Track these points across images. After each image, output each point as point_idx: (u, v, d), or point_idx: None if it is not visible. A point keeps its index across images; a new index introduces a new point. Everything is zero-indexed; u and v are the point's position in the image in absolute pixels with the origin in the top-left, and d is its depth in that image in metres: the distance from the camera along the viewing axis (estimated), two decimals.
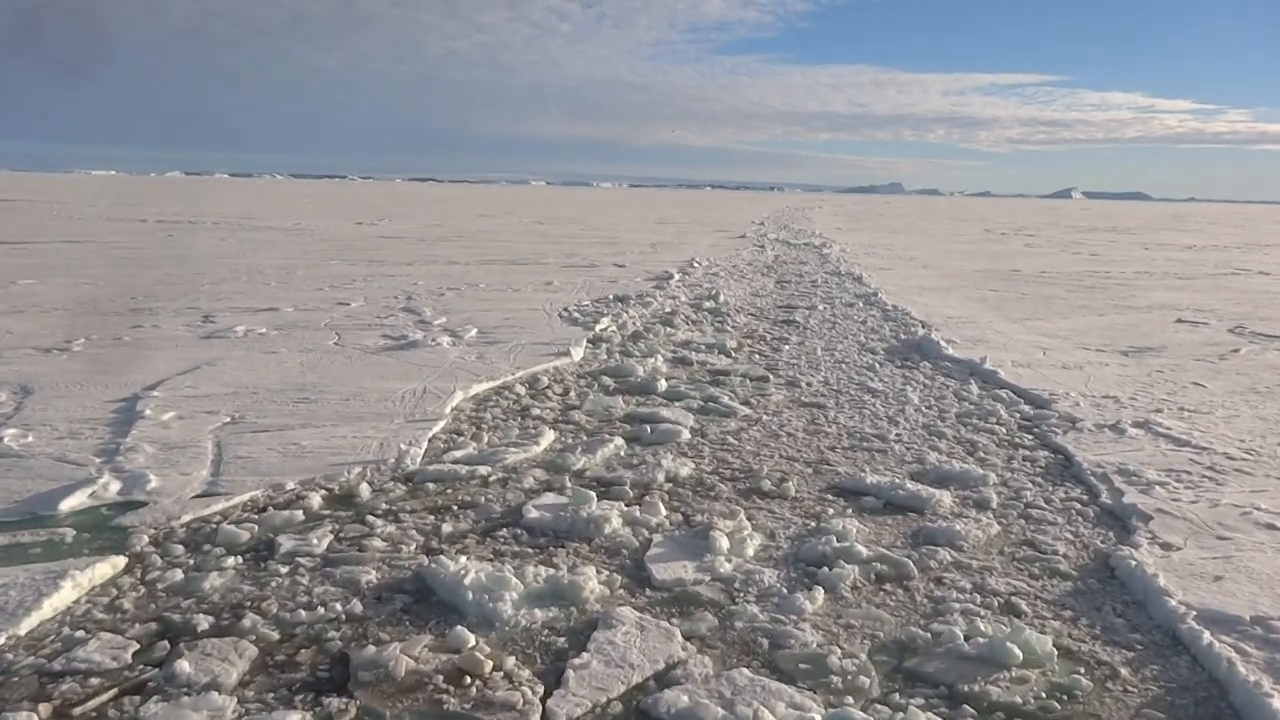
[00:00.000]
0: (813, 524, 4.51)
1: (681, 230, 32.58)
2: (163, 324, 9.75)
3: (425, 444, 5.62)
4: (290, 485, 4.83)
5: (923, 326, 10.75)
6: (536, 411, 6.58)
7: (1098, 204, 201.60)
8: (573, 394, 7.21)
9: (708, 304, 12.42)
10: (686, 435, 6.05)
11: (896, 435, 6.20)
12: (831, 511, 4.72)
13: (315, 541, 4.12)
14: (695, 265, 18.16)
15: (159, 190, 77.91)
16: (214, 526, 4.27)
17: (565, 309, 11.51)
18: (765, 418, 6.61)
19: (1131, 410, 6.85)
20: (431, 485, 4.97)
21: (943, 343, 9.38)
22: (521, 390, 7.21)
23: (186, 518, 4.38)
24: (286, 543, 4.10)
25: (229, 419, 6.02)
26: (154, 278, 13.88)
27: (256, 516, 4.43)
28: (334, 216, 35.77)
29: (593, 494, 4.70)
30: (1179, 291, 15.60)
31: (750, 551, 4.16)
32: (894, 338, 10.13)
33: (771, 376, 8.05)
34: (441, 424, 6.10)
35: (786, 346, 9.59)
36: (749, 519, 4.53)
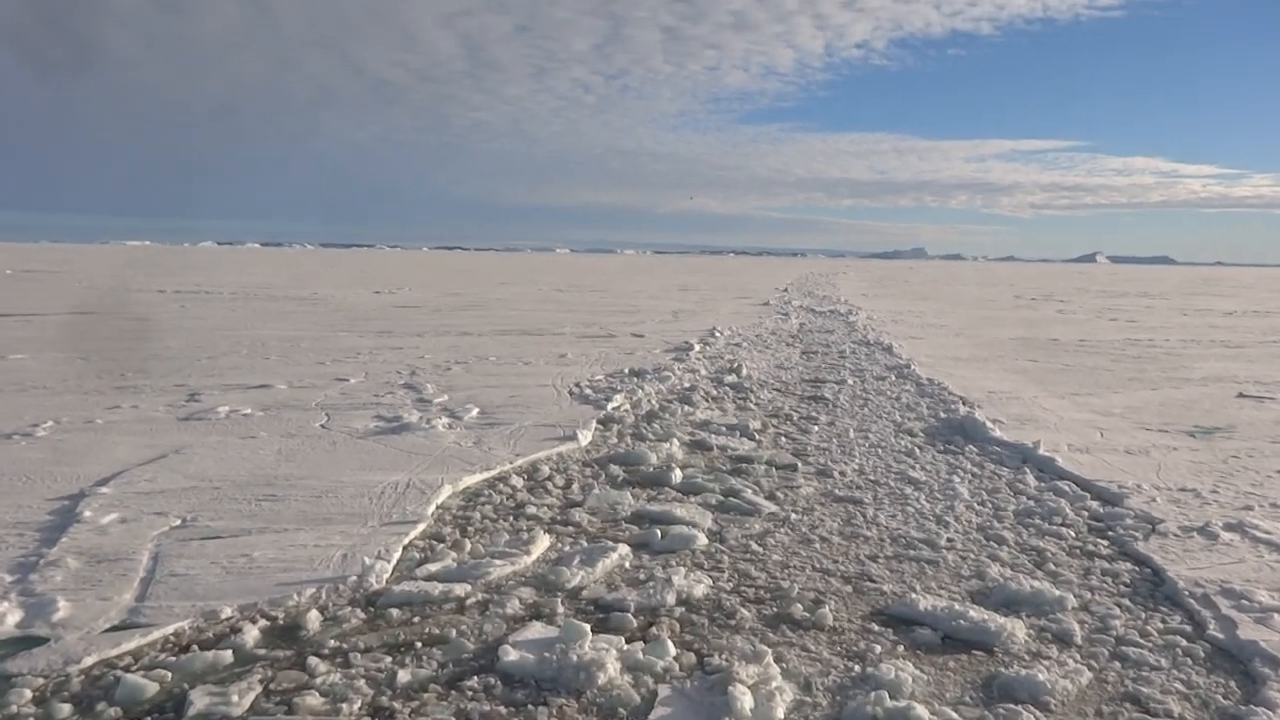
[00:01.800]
0: (857, 668, 3.64)
1: (703, 297, 31.96)
2: (143, 404, 9.07)
3: (397, 555, 4.82)
4: (226, 613, 4.03)
5: (963, 404, 9.88)
6: (532, 510, 5.77)
7: (1124, 268, 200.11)
8: (576, 487, 6.40)
9: (729, 378, 11.62)
10: (703, 540, 5.21)
11: (948, 540, 5.32)
12: (879, 649, 3.84)
13: (236, 699, 3.30)
14: (717, 335, 17.41)
15: (187, 260, 78.73)
16: (117, 676, 3.46)
17: (577, 384, 10.75)
18: (794, 517, 5.76)
19: (1218, 508, 5.94)
20: (395, 612, 4.15)
21: (988, 423, 8.51)
22: (519, 482, 6.41)
23: (89, 661, 3.58)
24: (200, 699, 3.29)
25: (178, 522, 5.25)
26: (151, 352, 13.30)
27: (175, 659, 3.62)
28: (353, 286, 35.51)
29: (586, 627, 3.87)
30: (1231, 361, 14.63)
31: (779, 713, 3.29)
32: (932, 416, 9.26)
33: (800, 464, 7.20)
34: (421, 528, 5.30)
35: (815, 427, 8.74)
36: (777, 662, 3.67)
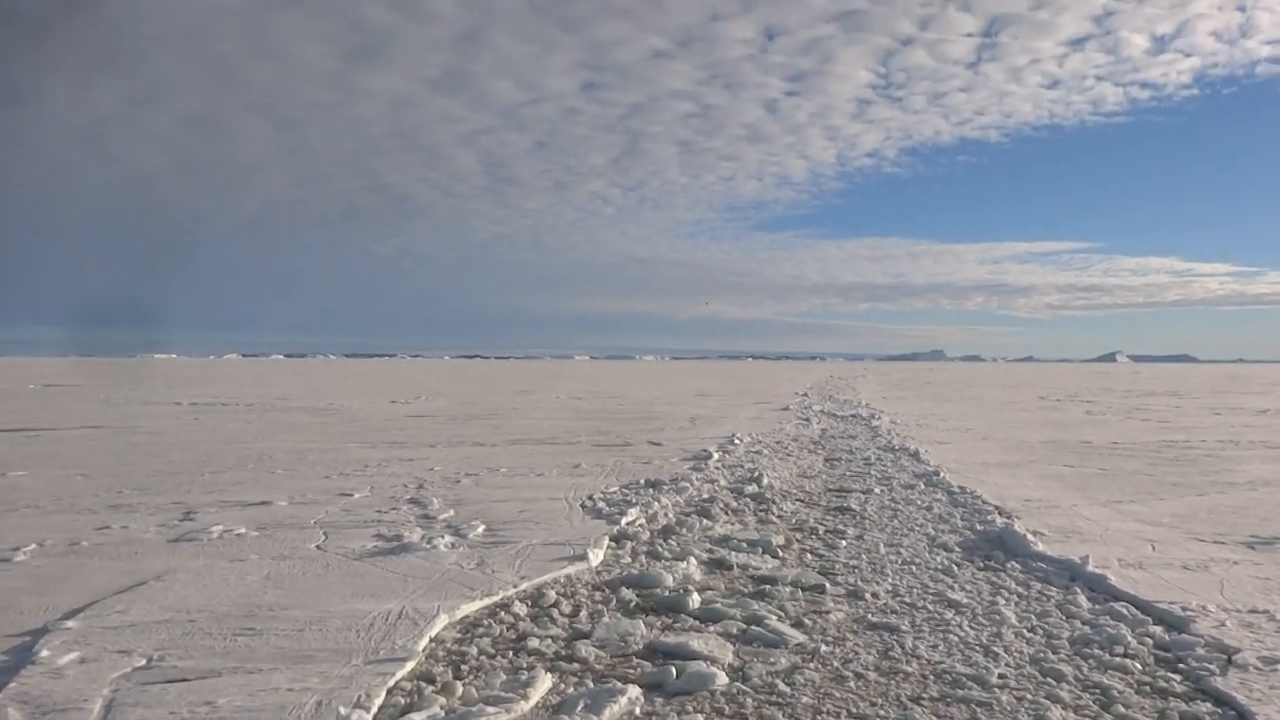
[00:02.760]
0: None
1: (722, 403, 31.55)
2: (134, 524, 8.64)
3: (378, 701, 4.29)
4: None
5: (999, 514, 9.28)
6: (534, 643, 5.23)
7: (1145, 367, 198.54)
8: (584, 614, 5.86)
9: (750, 488, 11.08)
10: (723, 679, 4.64)
11: (1000, 676, 4.72)
12: None
13: None
14: (736, 442, 16.91)
15: (210, 372, 79.48)
16: None
17: (590, 497, 10.25)
18: (824, 648, 5.18)
19: None
20: None
21: (1029, 536, 7.91)
22: (521, 610, 5.87)
23: None
24: None
25: (142, 662, 4.75)
26: (155, 467, 12.95)
27: None
28: (371, 395, 35.41)
29: None
30: (1277, 464, 13.94)
31: None
32: (968, 528, 8.68)
33: (828, 584, 6.63)
34: (409, 666, 4.77)
35: (843, 542, 8.17)
36: None
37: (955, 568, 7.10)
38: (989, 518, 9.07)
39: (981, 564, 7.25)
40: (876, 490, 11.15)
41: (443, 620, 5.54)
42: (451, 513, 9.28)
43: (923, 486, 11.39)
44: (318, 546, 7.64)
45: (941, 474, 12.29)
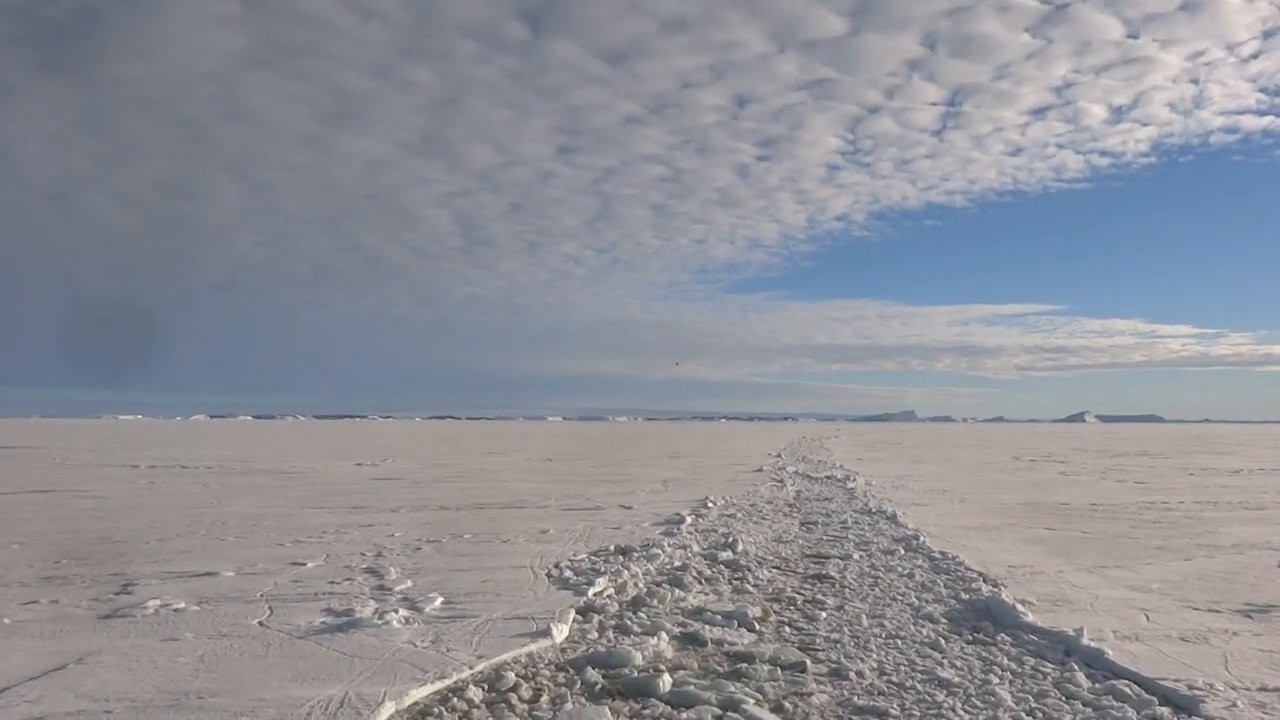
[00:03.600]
0: None
1: (695, 465, 31.09)
2: (65, 598, 8.03)
3: None
4: None
5: (984, 580, 8.91)
6: None
7: (1114, 426, 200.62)
8: (544, 700, 5.37)
9: (724, 555, 10.63)
10: None
11: None
12: None
13: None
14: (709, 505, 16.46)
15: (174, 433, 77.86)
16: None
17: (556, 565, 9.75)
18: None
19: None
20: None
21: (1017, 605, 7.52)
22: (476, 695, 5.37)
23: None
24: None
25: None
26: (98, 534, 12.28)
27: None
28: (337, 458, 34.60)
29: None
30: (1258, 525, 13.71)
31: None
32: (953, 597, 8.28)
33: (809, 662, 6.18)
34: None
35: (823, 613, 7.73)
36: None
37: (943, 641, 6.69)
38: (974, 585, 8.68)
39: (970, 637, 6.84)
40: (855, 556, 10.74)
41: (389, 709, 5.03)
42: (409, 583, 8.75)
43: (903, 551, 10.99)
44: (260, 623, 7.09)
45: (921, 538, 11.91)
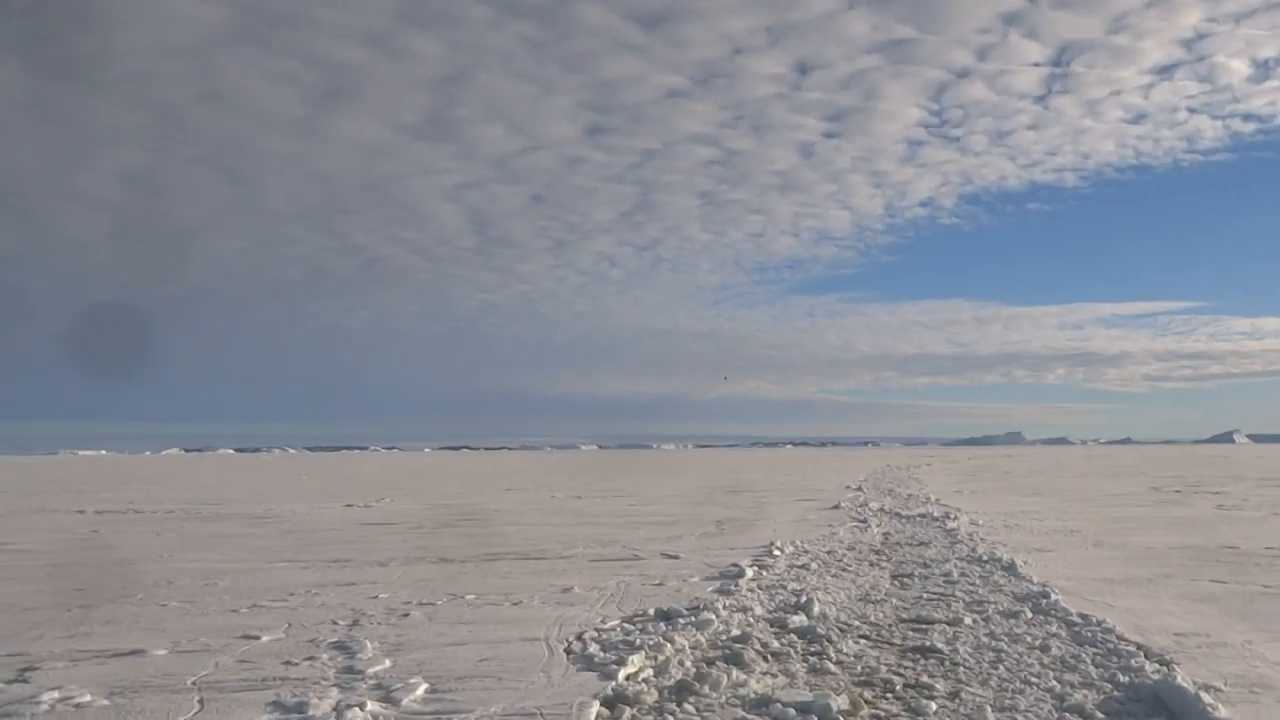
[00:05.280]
0: None
1: (757, 501, 30.24)
2: None
3: None
4: None
5: (1146, 655, 7.99)
6: None
7: (1271, 448, 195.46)
8: None
9: (796, 619, 9.82)
10: None
11: None
12: None
13: None
14: (776, 552, 15.63)
15: (140, 471, 78.70)
16: None
17: (579, 636, 9.01)
18: None
19: None
20: None
21: (1201, 695, 6.58)
22: None
23: None
24: None
25: None
26: (16, 596, 11.81)
27: None
28: (325, 498, 34.29)
29: None
30: None
31: None
32: (1107, 679, 7.36)
33: None
34: None
35: (932, 704, 6.86)
36: None
37: None
38: (1134, 662, 7.76)
39: None
40: (968, 620, 9.85)
41: None
42: (386, 663, 8.07)
43: (1030, 614, 10.07)
44: None
45: (1052, 595, 10.98)
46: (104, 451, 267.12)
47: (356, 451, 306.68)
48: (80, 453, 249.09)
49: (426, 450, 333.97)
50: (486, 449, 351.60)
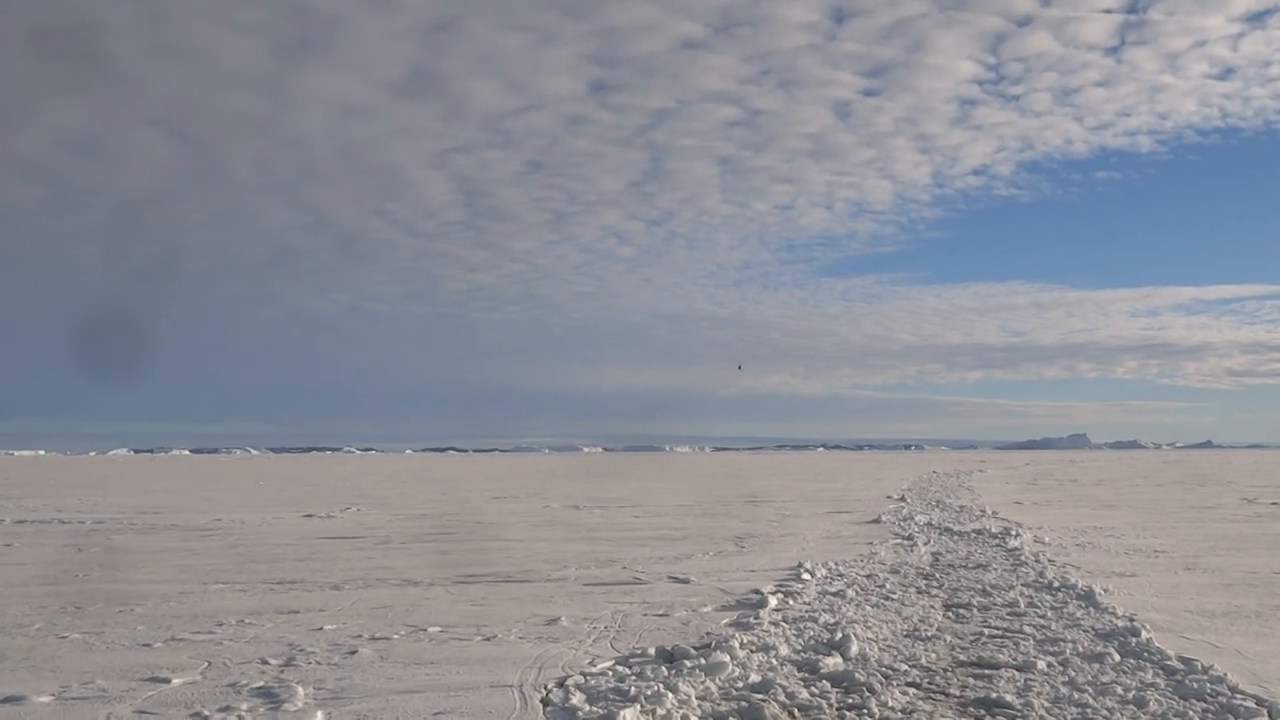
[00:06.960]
0: None
1: (782, 513, 29.71)
2: None
3: None
4: None
5: (1270, 716, 7.29)
6: None
7: None
8: None
9: (829, 662, 9.19)
10: None
11: None
12: None
13: None
14: (805, 576, 15.02)
15: (79, 474, 78.76)
16: None
17: (561, 683, 8.40)
18: None
19: None
20: None
21: None
22: None
23: None
24: None
25: None
26: None
27: None
28: (282, 506, 33.89)
29: None
30: None
31: None
32: None
33: None
34: None
35: None
36: None
37: None
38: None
39: None
40: (1041, 665, 9.16)
41: None
42: (318, 717, 7.44)
43: (1118, 656, 9.39)
44: None
45: (1142, 632, 10.29)
46: (43, 452, 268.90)
47: (328, 453, 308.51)
48: (16, 453, 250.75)
49: (408, 452, 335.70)
50: (476, 451, 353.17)
